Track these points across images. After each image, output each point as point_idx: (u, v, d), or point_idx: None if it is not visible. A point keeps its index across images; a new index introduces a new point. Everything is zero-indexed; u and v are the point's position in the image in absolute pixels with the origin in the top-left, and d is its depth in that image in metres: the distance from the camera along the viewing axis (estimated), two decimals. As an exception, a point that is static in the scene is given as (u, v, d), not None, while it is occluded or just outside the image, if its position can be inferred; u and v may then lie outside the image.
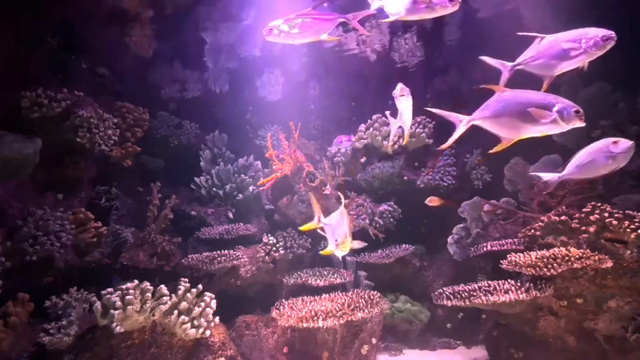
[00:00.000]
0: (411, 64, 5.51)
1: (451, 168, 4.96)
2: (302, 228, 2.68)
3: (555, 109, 2.13)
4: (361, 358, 3.40)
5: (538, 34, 2.39)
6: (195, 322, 2.90)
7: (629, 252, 2.96)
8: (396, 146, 4.96)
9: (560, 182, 4.14)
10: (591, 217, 3.17)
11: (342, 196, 2.93)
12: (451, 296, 3.35)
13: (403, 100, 2.69)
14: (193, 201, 4.92)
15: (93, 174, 4.11)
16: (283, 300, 3.59)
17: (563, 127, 2.15)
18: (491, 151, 2.40)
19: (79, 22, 4.12)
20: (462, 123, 2.45)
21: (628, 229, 2.94)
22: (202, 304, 2.96)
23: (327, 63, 5.61)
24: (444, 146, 2.58)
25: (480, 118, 2.38)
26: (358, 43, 5.45)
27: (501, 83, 2.51)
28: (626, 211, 3.08)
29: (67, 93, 3.59)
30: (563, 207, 3.63)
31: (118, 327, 2.63)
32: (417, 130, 4.97)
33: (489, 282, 3.35)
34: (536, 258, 3.11)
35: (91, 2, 4.11)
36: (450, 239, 4.45)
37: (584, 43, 2.22)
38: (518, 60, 2.46)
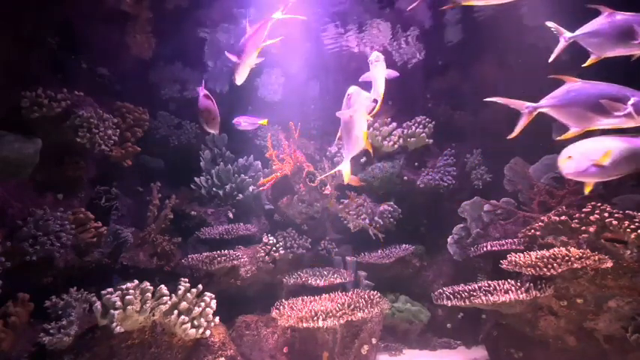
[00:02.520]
0: (411, 63, 5.52)
1: (451, 168, 4.96)
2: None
3: (630, 102, 2.05)
4: (361, 358, 3.40)
5: (607, 8, 2.26)
6: (195, 322, 2.90)
7: (629, 252, 2.96)
8: (395, 146, 4.97)
9: (560, 182, 4.15)
10: (591, 217, 3.17)
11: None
12: (451, 296, 3.35)
13: (378, 65, 2.69)
14: (193, 201, 4.91)
15: (93, 174, 4.11)
16: (283, 300, 3.59)
17: (638, 122, 2.08)
18: (558, 138, 2.33)
19: (79, 22, 4.12)
20: (528, 110, 2.35)
21: (628, 229, 2.94)
22: (202, 304, 2.96)
23: (327, 63, 5.61)
24: (512, 135, 2.45)
25: (548, 106, 2.30)
26: (358, 43, 5.45)
27: (556, 52, 2.43)
28: (626, 211, 3.08)
29: (67, 93, 3.59)
30: (563, 207, 3.63)
31: (118, 327, 2.63)
32: (417, 130, 4.97)
33: (489, 282, 3.35)
34: (536, 258, 3.11)
35: (91, 2, 4.11)
36: (450, 239, 4.45)
37: None
38: (577, 32, 2.34)
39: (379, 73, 2.69)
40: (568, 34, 2.36)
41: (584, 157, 2.22)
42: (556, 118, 2.31)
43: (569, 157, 2.21)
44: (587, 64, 2.36)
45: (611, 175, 2.34)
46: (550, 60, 2.42)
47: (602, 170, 2.25)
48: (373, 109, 2.70)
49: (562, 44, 2.40)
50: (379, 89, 2.73)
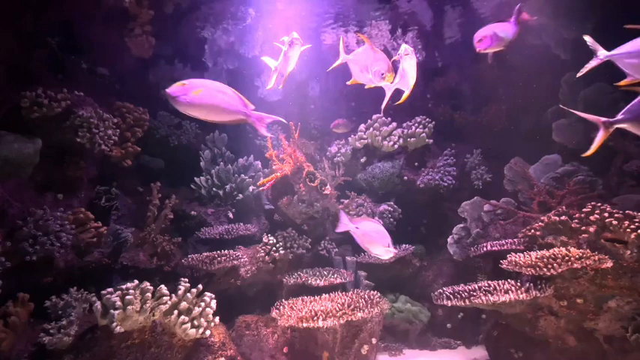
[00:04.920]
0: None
1: (451, 168, 4.96)
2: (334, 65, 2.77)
3: None
4: (361, 358, 3.40)
5: None
6: (195, 322, 2.90)
7: (629, 252, 2.96)
8: (395, 146, 4.97)
9: (560, 182, 4.16)
10: (591, 217, 3.17)
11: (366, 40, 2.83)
12: (451, 296, 3.35)
13: (407, 59, 2.64)
14: (193, 201, 4.91)
15: (93, 174, 4.11)
16: (283, 300, 3.59)
17: None
18: None
19: (79, 22, 4.12)
20: (605, 125, 2.20)
21: (628, 229, 2.94)
22: (202, 304, 2.96)
23: (327, 63, 5.61)
24: (588, 153, 2.29)
25: (626, 120, 2.16)
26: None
27: (586, 69, 2.34)
28: (626, 211, 3.08)
29: (67, 93, 3.59)
30: (563, 207, 3.63)
31: (118, 327, 2.63)
32: (417, 130, 4.97)
33: (489, 282, 3.35)
34: (536, 258, 3.11)
35: (91, 2, 4.11)
36: (450, 239, 4.45)
37: None
38: (614, 51, 2.23)
39: (409, 65, 2.64)
40: (604, 53, 2.26)
41: (186, 87, 2.27)
42: (637, 133, 2.20)
43: (183, 83, 2.26)
44: (621, 84, 2.28)
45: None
46: (578, 75, 2.36)
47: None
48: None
49: (595, 62, 2.30)
50: (410, 82, 2.68)
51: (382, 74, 2.62)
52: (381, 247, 2.97)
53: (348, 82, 2.86)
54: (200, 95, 2.26)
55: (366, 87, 2.80)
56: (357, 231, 3.02)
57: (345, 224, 3.08)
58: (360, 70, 2.73)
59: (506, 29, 3.00)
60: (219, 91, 2.30)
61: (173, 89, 2.25)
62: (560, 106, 2.43)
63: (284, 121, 2.60)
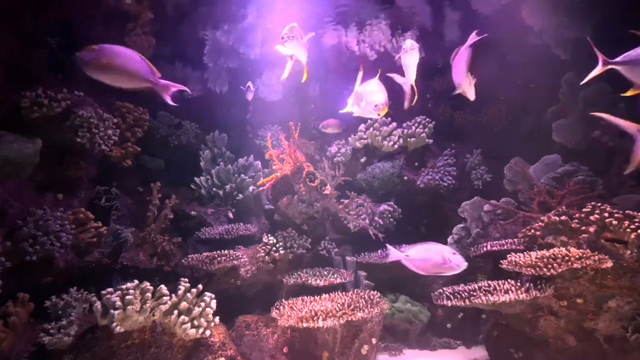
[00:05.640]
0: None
1: (451, 168, 4.96)
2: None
3: None
4: (361, 358, 3.40)
5: None
6: (196, 322, 2.90)
7: (629, 252, 2.96)
8: (395, 146, 4.96)
9: (560, 182, 4.16)
10: (591, 217, 3.17)
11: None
12: (451, 296, 3.35)
13: (412, 54, 2.62)
14: (193, 201, 4.92)
15: (93, 174, 4.11)
16: (283, 300, 3.59)
17: None
18: None
19: (79, 22, 4.11)
20: None
21: (628, 229, 2.94)
22: (202, 304, 2.96)
23: (328, 62, 5.61)
24: (629, 169, 2.29)
25: None
26: (358, 42, 5.45)
27: (589, 77, 2.32)
28: (626, 211, 3.08)
29: (67, 93, 3.59)
30: (563, 207, 3.63)
31: (118, 327, 2.63)
32: (417, 130, 4.97)
33: (489, 282, 3.35)
34: (536, 258, 3.11)
35: (91, 2, 4.11)
36: (450, 239, 4.45)
37: None
38: (618, 59, 2.21)
39: (412, 62, 2.63)
40: (607, 61, 2.23)
41: (97, 52, 2.39)
42: None
43: (93, 48, 2.34)
44: (628, 95, 2.25)
45: None
46: (582, 83, 2.33)
47: None
48: (412, 97, 2.69)
49: (598, 70, 2.27)
50: (411, 77, 2.67)
51: (377, 106, 2.62)
52: (439, 268, 2.84)
53: (341, 111, 2.89)
54: (110, 60, 2.28)
55: (354, 114, 2.81)
56: (408, 259, 2.90)
57: (394, 254, 2.96)
58: (354, 101, 2.75)
59: (461, 58, 2.88)
60: (129, 57, 2.34)
61: (85, 53, 2.27)
62: (597, 116, 2.35)
63: (189, 90, 2.61)
